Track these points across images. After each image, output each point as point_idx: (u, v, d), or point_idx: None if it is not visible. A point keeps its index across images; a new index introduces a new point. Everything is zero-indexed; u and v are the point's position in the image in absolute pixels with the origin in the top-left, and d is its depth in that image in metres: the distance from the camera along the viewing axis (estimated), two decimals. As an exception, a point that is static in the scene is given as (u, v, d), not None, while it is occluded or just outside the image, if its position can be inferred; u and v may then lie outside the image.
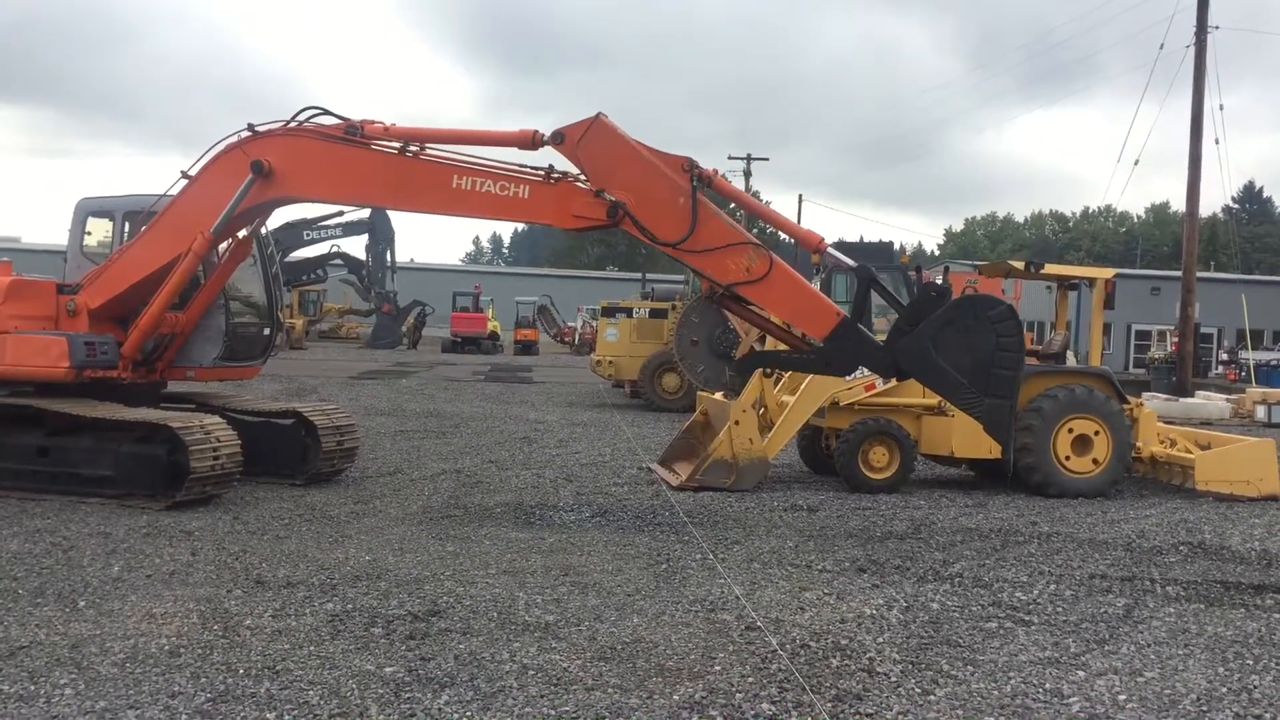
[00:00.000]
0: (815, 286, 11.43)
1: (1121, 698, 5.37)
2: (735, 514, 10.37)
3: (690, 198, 8.96)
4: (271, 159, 9.63)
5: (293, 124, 9.74)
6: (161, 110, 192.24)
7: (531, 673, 5.50)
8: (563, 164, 9.26)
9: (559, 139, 9.08)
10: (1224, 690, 5.55)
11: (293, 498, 10.41)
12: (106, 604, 6.58)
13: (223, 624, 6.21)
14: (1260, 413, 22.60)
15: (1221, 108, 28.37)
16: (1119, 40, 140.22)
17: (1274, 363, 32.47)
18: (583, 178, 9.15)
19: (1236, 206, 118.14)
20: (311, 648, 5.82)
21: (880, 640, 6.22)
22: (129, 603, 6.60)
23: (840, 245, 20.50)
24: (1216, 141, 38.18)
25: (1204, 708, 5.27)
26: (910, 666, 5.75)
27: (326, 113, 9.76)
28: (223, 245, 10.62)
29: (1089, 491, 11.98)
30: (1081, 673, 5.76)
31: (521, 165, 9.33)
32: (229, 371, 11.51)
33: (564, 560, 8.16)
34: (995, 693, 5.39)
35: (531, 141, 9.22)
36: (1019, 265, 13.03)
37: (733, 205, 11.91)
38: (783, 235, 10.50)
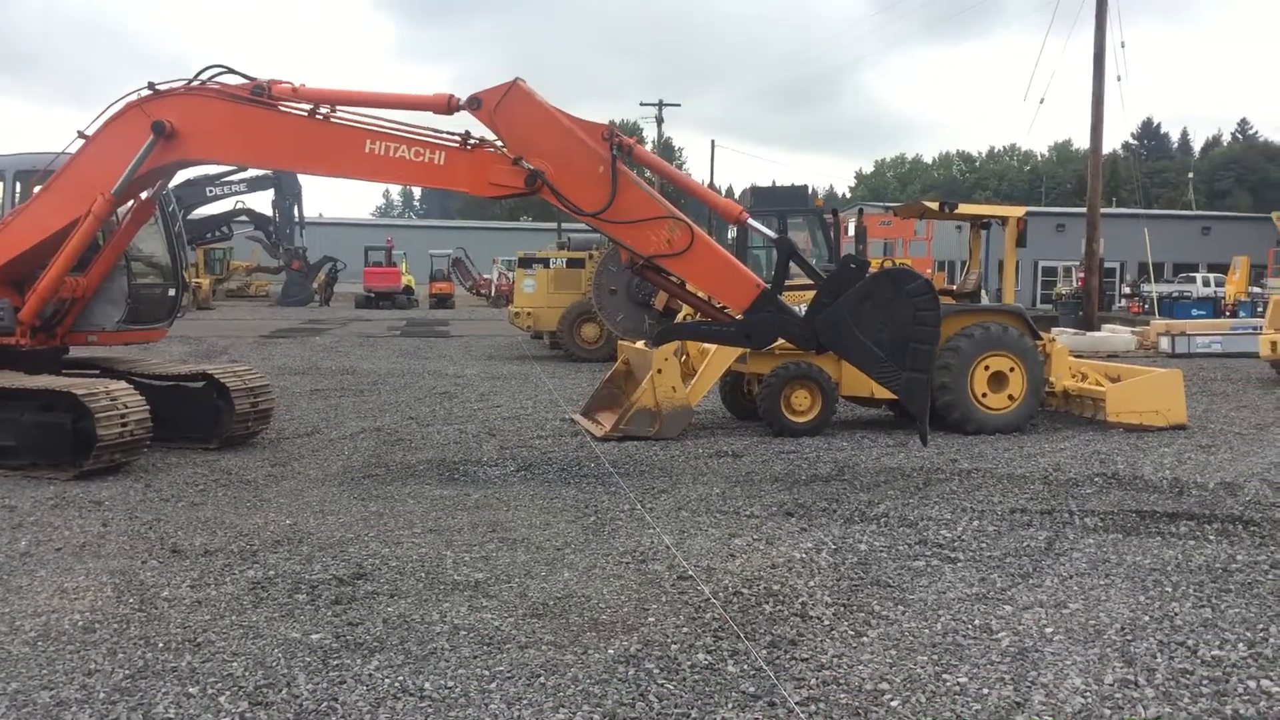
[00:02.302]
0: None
1: (1049, 630, 5.45)
2: (661, 463, 10.34)
3: (610, 166, 8.82)
4: (173, 119, 9.22)
5: (195, 83, 9.33)
6: (55, 64, 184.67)
7: (463, 633, 5.41)
8: (480, 130, 9.03)
9: (475, 104, 8.83)
10: (1146, 619, 5.66)
11: (206, 463, 10.14)
12: (14, 580, 6.32)
13: (138, 596, 6.01)
14: (1164, 344, 23.20)
15: (1123, 45, 28.76)
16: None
17: (1175, 295, 33.43)
18: (500, 144, 8.94)
19: (1136, 143, 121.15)
20: (233, 617, 5.65)
21: (811, 584, 6.24)
22: (38, 578, 6.35)
23: (755, 190, 20.53)
24: (1119, 79, 38.92)
25: (1128, 636, 5.37)
26: (842, 609, 5.77)
27: (231, 71, 9.33)
28: (123, 207, 10.21)
29: (1006, 427, 12.19)
30: (1008, 607, 5.83)
31: (437, 130, 9.06)
32: (134, 335, 11.12)
33: (490, 516, 8.06)
34: (926, 631, 5.43)
35: (447, 106, 8.95)
36: (934, 205, 13.11)
37: (649, 174, 11.71)
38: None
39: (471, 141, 8.98)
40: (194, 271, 41.87)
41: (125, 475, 9.41)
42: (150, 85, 9.38)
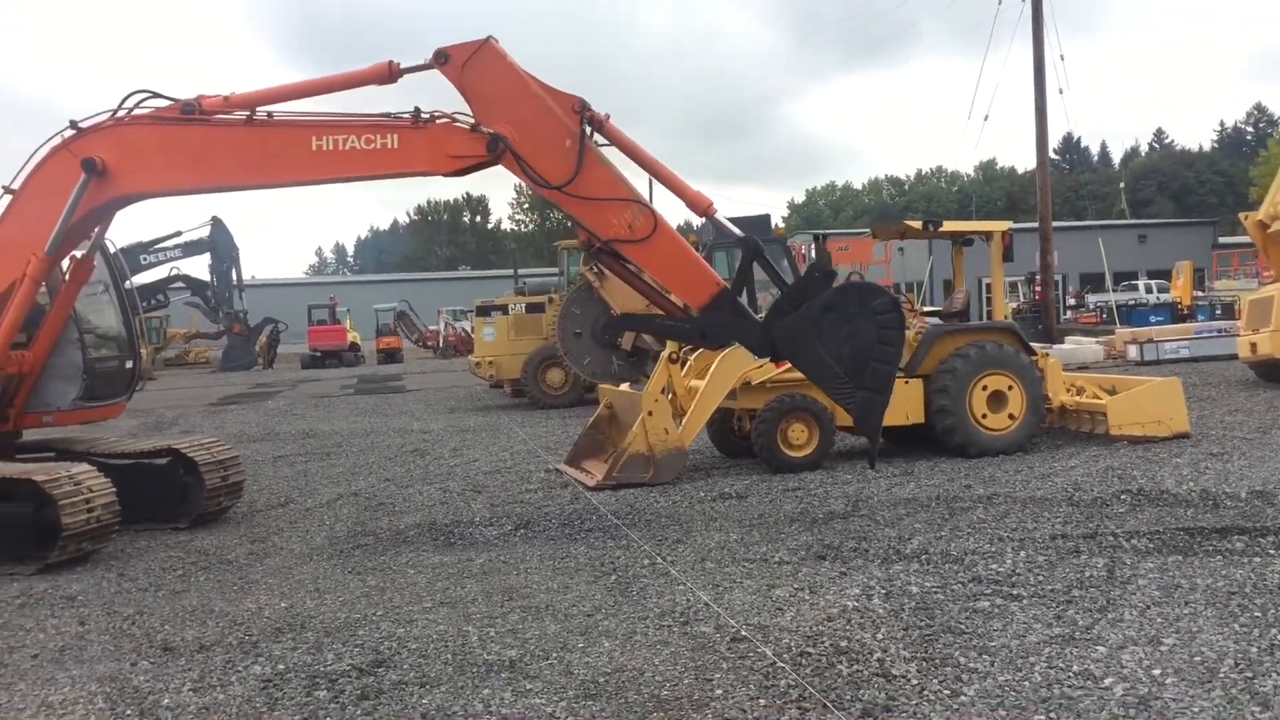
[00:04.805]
0: None
1: (1156, 672, 4.98)
2: (665, 510, 9.80)
3: (578, 140, 8.32)
4: (103, 155, 8.55)
5: (121, 112, 8.70)
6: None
7: (513, 723, 4.82)
8: (432, 96, 8.49)
9: (443, 59, 8.29)
10: (1254, 650, 5.21)
11: (180, 544, 9.42)
12: (-10, 698, 5.61)
13: (136, 706, 5.33)
14: (1132, 352, 23.11)
15: (1063, 58, 28.98)
16: (933, 9, 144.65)
17: (1132, 303, 33.58)
18: (453, 115, 8.38)
19: (1058, 157, 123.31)
20: (249, 724, 5.01)
21: (880, 636, 5.72)
22: (18, 693, 5.63)
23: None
24: (1061, 91, 39.42)
25: (1247, 673, 4.91)
26: (925, 664, 5.25)
27: (157, 95, 8.66)
28: (65, 263, 9.51)
29: (1009, 448, 11.81)
30: (1101, 648, 5.35)
31: (387, 114, 8.47)
32: (91, 413, 10.35)
33: (502, 582, 7.45)
34: (1026, 683, 4.93)
35: (389, 73, 8.40)
36: (916, 225, 12.78)
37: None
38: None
39: (424, 116, 8.39)
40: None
41: (95, 565, 8.67)
42: (72, 123, 8.74)
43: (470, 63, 8.30)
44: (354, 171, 8.64)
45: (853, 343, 8.32)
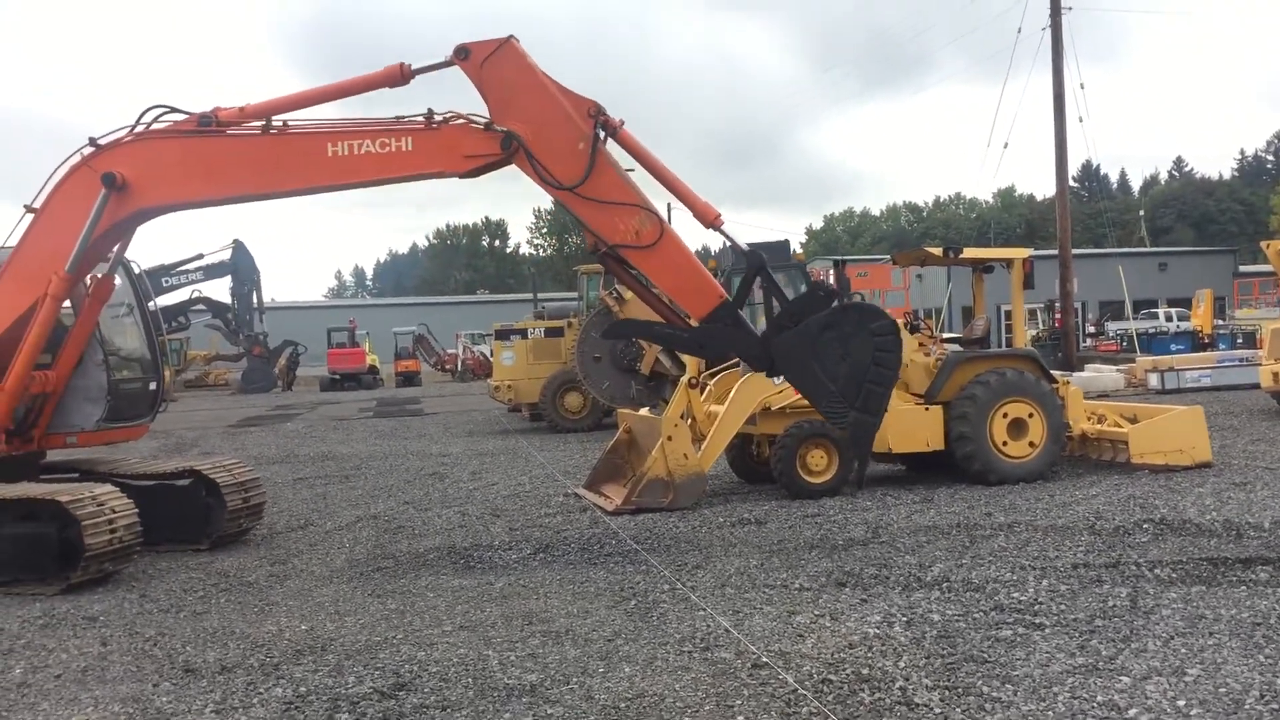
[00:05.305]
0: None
1: (1181, 703, 4.94)
2: (684, 535, 9.79)
3: (591, 144, 8.39)
4: (123, 169, 8.67)
5: (140, 128, 8.81)
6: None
7: (535, 748, 4.82)
8: (440, 106, 8.56)
9: (463, 54, 8.39)
10: (1280, 682, 5.18)
11: (200, 565, 9.45)
12: (15, 716, 5.63)
13: (158, 728, 5.36)
14: (1153, 380, 22.99)
15: (1082, 86, 28.99)
16: (952, 37, 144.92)
17: (1153, 331, 33.40)
18: (466, 115, 8.48)
19: (1077, 185, 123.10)
20: (271, 746, 5.02)
21: (901, 664, 5.70)
22: (42, 713, 5.66)
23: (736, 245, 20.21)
24: (1080, 120, 39.33)
25: (1273, 704, 4.87)
26: (948, 693, 5.23)
27: (174, 110, 8.77)
28: (86, 282, 9.59)
29: (1029, 476, 11.76)
30: (1125, 678, 5.32)
31: (399, 117, 8.57)
32: (115, 434, 10.40)
33: (522, 607, 7.45)
34: (1050, 713, 4.90)
35: (401, 75, 8.52)
36: (937, 251, 12.78)
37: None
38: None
39: (437, 118, 8.49)
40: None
41: (116, 585, 8.71)
42: (91, 141, 8.85)
43: (490, 60, 8.40)
44: (370, 175, 8.71)
45: (849, 362, 8.38)
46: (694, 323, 8.89)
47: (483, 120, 8.46)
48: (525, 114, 8.42)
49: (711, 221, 8.93)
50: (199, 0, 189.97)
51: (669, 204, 9.68)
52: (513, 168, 8.65)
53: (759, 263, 8.93)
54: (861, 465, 8.88)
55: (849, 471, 11.73)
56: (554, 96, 8.46)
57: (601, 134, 8.51)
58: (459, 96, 8.69)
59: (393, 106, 8.81)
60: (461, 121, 8.50)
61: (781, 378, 9.57)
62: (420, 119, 8.51)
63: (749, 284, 9.10)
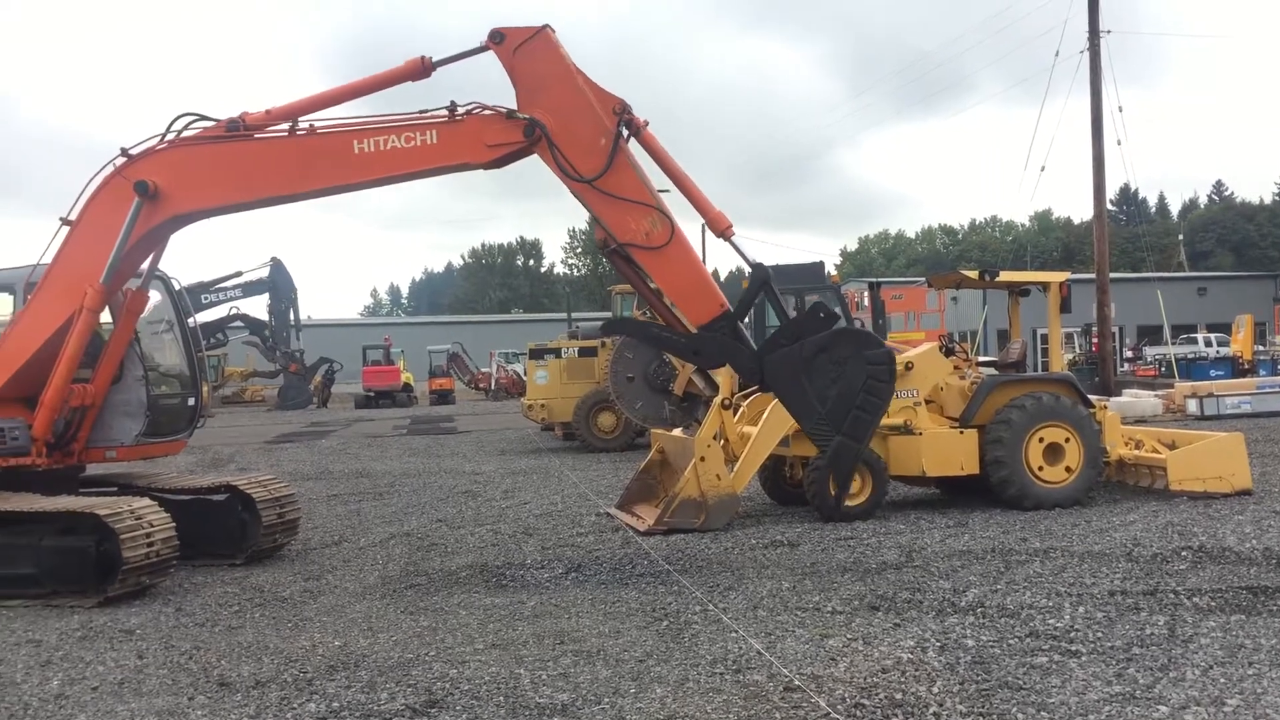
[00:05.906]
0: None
1: (1220, 733, 4.88)
2: (716, 556, 9.77)
3: (613, 140, 8.48)
4: (155, 177, 8.82)
5: (170, 135, 8.95)
6: (36, 177, 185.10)
7: (566, 768, 4.81)
8: (463, 97, 8.68)
9: (498, 39, 8.54)
10: (1322, 713, 5.10)
11: (235, 580, 9.53)
12: (51, 729, 5.70)
13: (193, 741, 5.40)
14: (1192, 406, 22.75)
15: (1121, 109, 28.86)
16: (988, 60, 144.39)
17: (1192, 356, 33.05)
18: (489, 106, 8.60)
19: (1115, 208, 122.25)
20: (304, 761, 5.05)
21: (935, 690, 5.66)
22: (78, 725, 5.74)
23: (771, 269, 20.23)
24: (1120, 142, 39.17)
25: (1314, 736, 4.81)
26: (981, 719, 5.18)
27: (203, 117, 8.94)
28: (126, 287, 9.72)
29: (1065, 501, 11.65)
30: (1163, 708, 5.26)
31: (423, 111, 8.67)
32: (154, 448, 10.53)
33: (554, 626, 7.46)
34: (1086, 741, 4.85)
35: (423, 68, 8.66)
36: (973, 275, 12.73)
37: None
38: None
39: (460, 110, 8.60)
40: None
41: (153, 599, 8.80)
42: (123, 151, 8.99)
43: (524, 47, 8.53)
44: (397, 170, 8.84)
45: (839, 386, 8.49)
46: (693, 329, 8.94)
47: (505, 110, 8.57)
48: (552, 103, 8.54)
49: (723, 231, 9.02)
50: (232, 13, 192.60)
51: (703, 232, 9.75)
52: (536, 158, 8.74)
53: (764, 276, 9.04)
54: (840, 490, 8.94)
55: (883, 495, 11.69)
56: (581, 89, 8.58)
57: (625, 132, 8.61)
58: (482, 93, 8.86)
59: (416, 105, 8.90)
60: (489, 112, 8.61)
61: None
62: (443, 111, 8.64)
63: (752, 297, 9.18)
